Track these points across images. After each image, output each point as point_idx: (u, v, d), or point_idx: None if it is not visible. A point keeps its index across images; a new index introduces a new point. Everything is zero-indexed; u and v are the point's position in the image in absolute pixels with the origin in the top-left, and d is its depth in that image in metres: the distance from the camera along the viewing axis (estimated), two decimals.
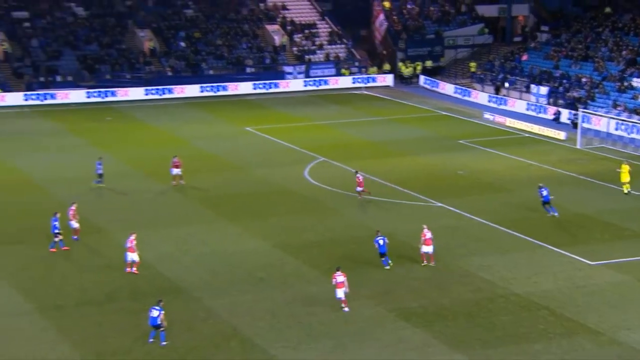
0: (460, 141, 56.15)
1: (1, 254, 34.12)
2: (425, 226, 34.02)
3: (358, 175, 42.33)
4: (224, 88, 74.25)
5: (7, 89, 68.61)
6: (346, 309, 29.24)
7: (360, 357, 26.22)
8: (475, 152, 53.17)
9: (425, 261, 33.53)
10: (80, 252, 34.55)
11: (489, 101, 69.40)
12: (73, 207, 35.99)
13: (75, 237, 35.60)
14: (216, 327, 28.01)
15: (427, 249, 33.53)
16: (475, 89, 73.63)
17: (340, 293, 29.18)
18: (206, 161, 50.76)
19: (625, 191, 42.91)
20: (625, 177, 43.07)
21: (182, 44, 78.29)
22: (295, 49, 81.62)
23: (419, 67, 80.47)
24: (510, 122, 60.71)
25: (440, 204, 41.86)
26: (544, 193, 39.15)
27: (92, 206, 40.74)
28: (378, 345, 26.98)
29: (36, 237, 36.01)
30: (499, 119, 62.04)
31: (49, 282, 31.33)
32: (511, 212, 40.40)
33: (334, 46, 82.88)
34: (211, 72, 76.59)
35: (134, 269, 32.18)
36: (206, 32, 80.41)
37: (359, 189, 41.87)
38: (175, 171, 43.92)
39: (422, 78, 78.86)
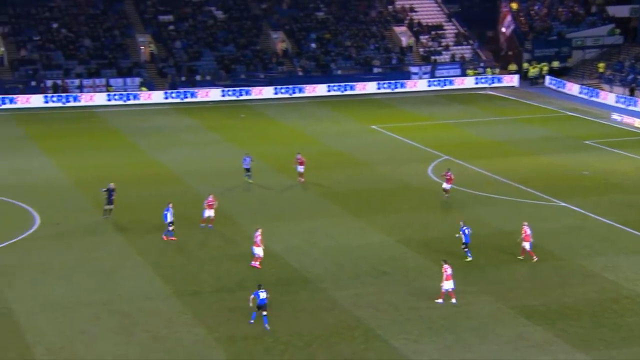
0: (586, 142, 54.29)
1: (146, 242, 35.69)
2: (525, 223, 33.46)
3: (449, 172, 41.03)
4: (352, 87, 74.67)
5: (151, 87, 71.58)
6: (453, 300, 29.16)
7: (480, 352, 25.87)
8: (602, 153, 51.27)
9: (522, 255, 33.17)
10: (216, 241, 35.67)
11: (617, 102, 66.71)
12: (210, 198, 37.21)
13: (210, 225, 36.76)
14: (340, 317, 28.29)
15: (526, 244, 33.13)
16: (603, 90, 70.91)
17: (448, 285, 29.11)
18: (333, 158, 51.24)
19: None
20: None
21: (313, 45, 79.28)
22: (421, 49, 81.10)
23: (545, 68, 78.30)
24: None
25: (564, 204, 40.65)
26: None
27: (227, 198, 41.93)
28: (498, 341, 26.54)
29: (175, 227, 37.39)
30: (628, 119, 59.53)
31: (186, 270, 32.52)
32: (639, 214, 38.70)
33: (459, 47, 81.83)
34: (339, 72, 77.18)
35: (257, 263, 32.77)
36: (336, 33, 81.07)
37: (446, 186, 40.40)
38: (300, 168, 43.98)
39: (548, 78, 76.69)
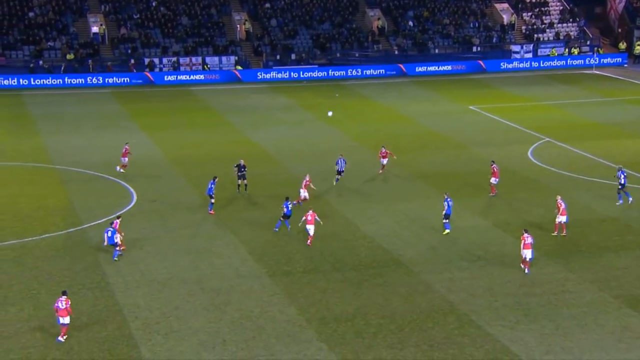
0: None
1: (238, 220, 36.22)
2: (559, 197, 33.63)
3: (494, 165, 39.14)
4: (451, 66, 73.60)
5: (247, 65, 72.44)
6: (527, 270, 29.50)
7: (580, 342, 25.17)
8: None
9: (557, 232, 32.89)
10: None
11: None
12: (307, 178, 37.42)
13: (300, 202, 37.05)
14: (434, 301, 28.05)
15: (562, 218, 33.17)
16: None
17: (527, 254, 29.47)
18: (430, 139, 50.69)
19: None
20: None
21: (411, 22, 78.44)
22: (524, 27, 79.08)
23: None
24: None
25: None
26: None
27: (319, 178, 42.09)
28: (601, 331, 25.75)
29: (271, 206, 37.85)
30: None
31: (278, 249, 32.86)
32: None
33: (565, 24, 79.35)
34: (437, 51, 76.17)
35: (309, 241, 32.83)
36: (434, 11, 79.98)
37: (494, 180, 38.49)
38: (383, 161, 42.51)
39: None
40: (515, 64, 74.55)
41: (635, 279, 29.32)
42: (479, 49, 76.34)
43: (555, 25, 78.98)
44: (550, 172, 42.46)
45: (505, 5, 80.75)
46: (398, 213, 36.76)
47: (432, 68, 73.40)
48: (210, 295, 28.67)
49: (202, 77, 70.26)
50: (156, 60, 71.62)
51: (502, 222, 35.37)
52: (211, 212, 36.65)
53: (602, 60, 74.23)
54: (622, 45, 76.59)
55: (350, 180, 41.66)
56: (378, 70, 72.71)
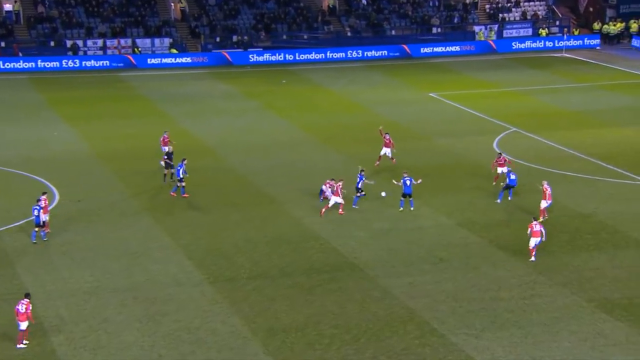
0: None
1: (175, 221, 36.00)
2: (545, 182, 35.20)
3: (503, 156, 39.97)
4: (407, 49, 74.11)
5: (183, 49, 71.95)
6: (532, 258, 31.09)
7: (551, 350, 25.64)
8: None
9: (542, 217, 34.29)
10: (252, 223, 35.85)
11: None
12: (333, 183, 36.67)
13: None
14: (392, 308, 28.29)
15: (545, 203, 34.80)
16: None
17: (533, 242, 31.06)
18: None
19: None
20: None
21: (364, 1, 78.80)
22: (488, 6, 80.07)
23: (634, 26, 76.68)
24: None
25: None
26: (512, 177, 37.34)
27: (266, 175, 42.10)
28: (573, 338, 26.27)
29: (212, 205, 37.72)
30: None
31: (220, 253, 32.77)
32: None
33: (532, 3, 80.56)
34: (394, 32, 76.67)
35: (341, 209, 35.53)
36: None
37: (502, 170, 39.10)
38: (385, 150, 42.49)
39: (635, 39, 75.14)
40: (478, 46, 75.39)
41: (609, 281, 29.97)
42: (439, 30, 77.07)
43: (521, 4, 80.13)
44: (518, 164, 43.06)
45: None
46: (353, 211, 36.95)
47: (388, 51, 73.81)
48: (144, 306, 28.47)
49: (121, 63, 69.47)
50: (80, 43, 70.70)
51: (467, 220, 35.82)
52: (184, 195, 38.00)
53: (571, 42, 75.54)
54: (596, 26, 78.05)
55: (300, 177, 41.72)
56: (329, 54, 72.88)
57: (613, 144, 46.73)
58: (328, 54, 72.87)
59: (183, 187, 38.25)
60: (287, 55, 72.04)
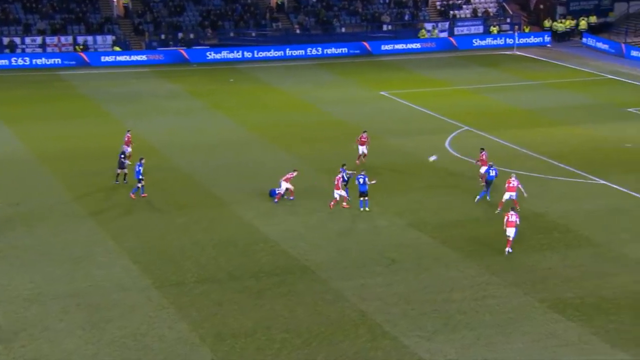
0: (630, 109, 54.21)
1: (119, 225, 35.66)
2: (513, 175, 36.17)
3: (484, 152, 40.31)
4: (358, 47, 74.39)
5: (126, 47, 71.27)
6: (509, 249, 32.01)
7: (504, 352, 25.92)
8: None
9: (500, 208, 35.65)
10: (201, 224, 35.66)
11: None
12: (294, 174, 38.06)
13: (292, 197, 38.00)
14: (344, 311, 28.34)
15: (507, 195, 35.82)
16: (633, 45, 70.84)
17: (510, 232, 31.97)
18: (336, 128, 51.14)
19: None
20: None
21: None
22: (438, 3, 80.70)
23: (583, 24, 77.97)
24: None
25: (602, 181, 40.61)
26: (492, 173, 37.87)
27: (213, 176, 41.90)
28: (526, 339, 26.58)
29: (157, 207, 37.42)
30: None
31: (166, 257, 32.52)
32: None
33: (482, 0, 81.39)
34: (344, 29, 76.88)
35: (345, 203, 36.84)
36: None
37: (483, 169, 39.29)
38: (362, 148, 42.80)
39: (585, 36, 76.40)
40: (429, 43, 76.00)
41: (561, 281, 30.40)
42: (389, 27, 77.49)
43: (472, 1, 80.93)
44: (469, 164, 43.47)
45: None
46: (303, 213, 36.96)
47: (338, 48, 74.01)
48: (87, 312, 28.13)
49: (73, 61, 68.69)
50: (17, 40, 69.60)
51: (419, 220, 36.05)
52: (143, 195, 37.87)
53: (522, 39, 76.51)
54: (547, 24, 79.15)
55: (248, 178, 41.61)
56: (278, 52, 72.82)
57: (564, 142, 47.43)
58: (277, 52, 72.72)
59: (142, 186, 38.07)
60: (245, 53, 71.73)
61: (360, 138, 43.14)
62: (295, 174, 38.38)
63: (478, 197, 37.81)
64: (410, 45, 75.25)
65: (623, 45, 70.98)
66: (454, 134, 49.34)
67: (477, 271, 31.22)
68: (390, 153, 45.41)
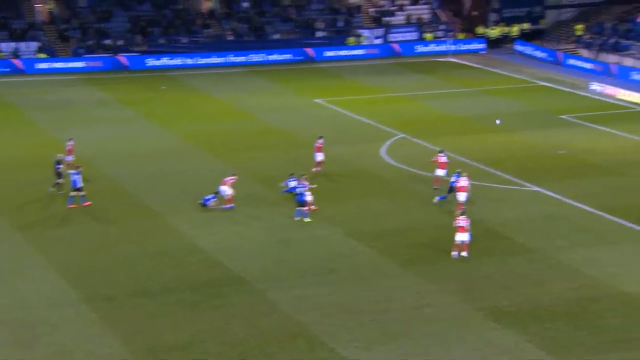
0: (562, 116, 55.26)
1: (47, 238, 35.09)
2: (465, 175, 37.57)
3: (441, 155, 41.07)
4: (292, 54, 74.56)
5: (52, 53, 70.22)
6: (464, 253, 32.70)
7: None
8: (580, 129, 52.26)
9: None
10: (132, 237, 35.29)
11: (597, 70, 68.06)
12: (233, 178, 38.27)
13: (230, 205, 37.96)
14: (281, 323, 28.31)
15: (441, 172, 38.46)
16: (581, 56, 72.34)
17: (460, 237, 32.58)
18: (271, 136, 51.13)
19: None
20: None
21: (246, 4, 78.82)
22: (372, 10, 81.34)
23: (515, 30, 79.36)
24: (623, 94, 59.38)
25: (537, 188, 41.34)
26: (453, 179, 38.68)
27: (146, 186, 41.53)
28: (464, 348, 26.88)
29: (87, 219, 36.94)
30: (610, 90, 60.76)
31: (97, 270, 32.10)
32: (622, 199, 39.63)
33: (416, 7, 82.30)
34: (277, 36, 76.99)
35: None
36: None
37: (440, 172, 40.35)
38: (317, 155, 42.80)
39: (518, 43, 77.78)
40: (364, 50, 76.55)
41: (499, 288, 30.83)
42: (323, 33, 77.85)
43: (405, 8, 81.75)
44: (406, 172, 43.90)
45: None
46: (239, 223, 36.85)
47: (271, 55, 74.08)
48: (13, 329, 27.61)
49: (7, 68, 67.62)
50: None
51: (357, 229, 36.22)
52: (86, 203, 37.66)
53: (457, 46, 77.56)
54: (480, 30, 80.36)
55: (182, 188, 41.33)
56: (210, 59, 72.57)
57: (500, 149, 48.15)
58: (209, 59, 72.46)
59: (82, 196, 37.74)
60: (176, 60, 71.31)
61: (317, 145, 43.13)
62: (235, 178, 38.31)
63: (438, 197, 38.67)
64: (354, 52, 75.85)
65: (560, 53, 72.37)
66: (390, 141, 49.72)
67: (416, 280, 31.48)
68: (326, 162, 45.51)
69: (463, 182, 37.28)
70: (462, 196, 37.12)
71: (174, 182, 42.34)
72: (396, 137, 50.56)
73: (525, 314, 28.82)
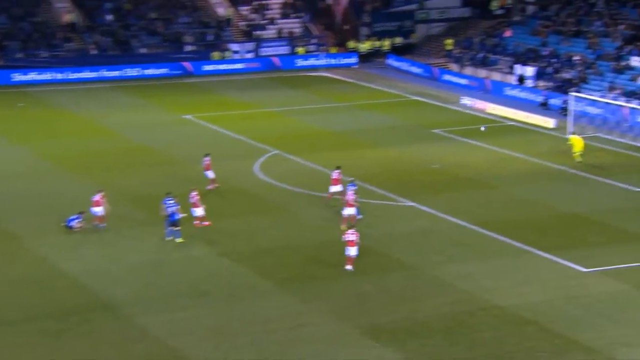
0: (435, 130, 56.60)
1: None
2: (351, 190, 38.48)
3: (336, 171, 41.52)
4: (169, 68, 74.08)
5: None
6: (348, 267, 33.40)
7: None
8: (452, 143, 53.66)
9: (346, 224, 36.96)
10: None
11: (468, 84, 70.12)
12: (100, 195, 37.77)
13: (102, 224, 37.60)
14: (152, 349, 27.94)
15: (336, 188, 39.83)
16: (451, 70, 74.39)
17: (350, 251, 33.42)
18: (138, 155, 50.50)
19: (579, 159, 48.28)
20: (579, 146, 48.59)
21: (109, 17, 77.68)
22: (242, 23, 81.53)
23: (387, 44, 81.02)
24: (492, 109, 61.40)
25: (411, 203, 42.20)
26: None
27: (2, 209, 40.32)
28: None
29: None
30: (480, 104, 62.70)
31: None
32: (494, 212, 40.90)
33: (287, 20, 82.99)
34: (144, 50, 76.21)
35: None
36: (137, 3, 79.92)
37: (334, 188, 40.87)
38: (207, 173, 43.21)
39: (390, 57, 79.39)
40: (235, 65, 76.65)
41: (376, 306, 31.28)
42: (192, 47, 77.54)
43: (276, 21, 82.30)
44: (280, 189, 44.09)
45: None
46: (106, 245, 36.19)
47: (138, 70, 73.25)
48: None
49: None
50: None
51: (231, 249, 36.13)
52: None
53: (331, 60, 78.59)
54: (351, 45, 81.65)
55: (43, 211, 40.31)
56: (73, 74, 71.13)
57: (375, 164, 48.93)
58: (70, 74, 71.00)
59: None
60: (35, 75, 69.69)
61: (204, 163, 43.04)
62: (102, 195, 37.83)
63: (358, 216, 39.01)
64: (234, 66, 75.94)
65: (436, 69, 74.02)
66: (263, 158, 49.86)
67: (293, 299, 31.63)
68: (196, 180, 45.18)
69: (350, 195, 37.97)
70: (349, 210, 37.72)
71: (35, 204, 41.25)
72: (269, 154, 50.74)
73: (402, 331, 29.34)
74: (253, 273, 33.88)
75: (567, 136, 51.29)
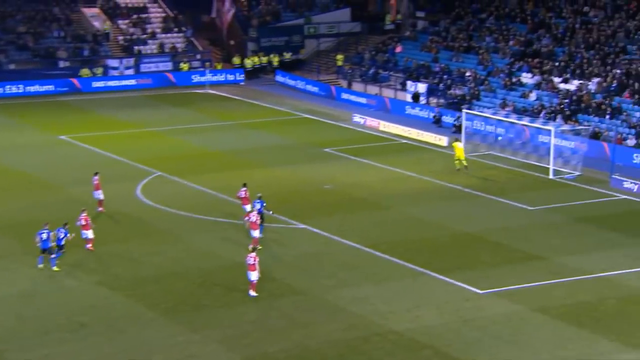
0: (326, 149, 57.03)
1: None
2: (253, 213, 38.93)
3: (242, 190, 41.99)
4: (54, 85, 72.84)
5: None
6: (252, 292, 33.60)
7: None
8: (344, 162, 54.16)
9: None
10: None
11: (359, 101, 70.95)
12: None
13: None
14: None
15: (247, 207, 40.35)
16: (342, 87, 75.17)
17: (251, 276, 33.60)
18: (8, 179, 49.31)
19: (459, 167, 50.65)
20: (459, 154, 50.82)
21: None
22: (121, 38, 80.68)
23: (276, 60, 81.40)
24: (385, 126, 62.28)
25: (303, 226, 42.37)
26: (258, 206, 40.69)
27: None
28: None
29: None
30: (371, 122, 63.52)
31: None
32: (388, 233, 41.41)
33: (169, 35, 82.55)
34: (12, 66, 74.63)
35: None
36: (4, 16, 78.24)
37: (246, 207, 41.20)
38: (96, 194, 43.05)
39: (278, 74, 79.75)
40: (114, 82, 75.79)
41: (266, 333, 31.22)
42: (66, 63, 76.29)
43: (157, 36, 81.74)
44: (164, 213, 43.66)
45: (96, 10, 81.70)
46: None
47: (6, 87, 71.71)
48: None
49: None
50: None
51: (111, 277, 35.56)
52: None
53: (216, 77, 78.44)
54: (237, 60, 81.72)
55: None
56: None
57: (264, 185, 48.76)
58: None
59: None
60: None
61: (94, 182, 43.03)
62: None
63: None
64: (125, 82, 75.14)
65: (333, 88, 74.27)
66: (145, 180, 49.31)
67: (178, 329, 31.30)
68: (72, 204, 44.35)
69: (253, 218, 38.31)
70: (255, 232, 38.06)
71: None
72: (152, 176, 50.22)
73: (295, 359, 29.35)
74: (135, 302, 33.40)
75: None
